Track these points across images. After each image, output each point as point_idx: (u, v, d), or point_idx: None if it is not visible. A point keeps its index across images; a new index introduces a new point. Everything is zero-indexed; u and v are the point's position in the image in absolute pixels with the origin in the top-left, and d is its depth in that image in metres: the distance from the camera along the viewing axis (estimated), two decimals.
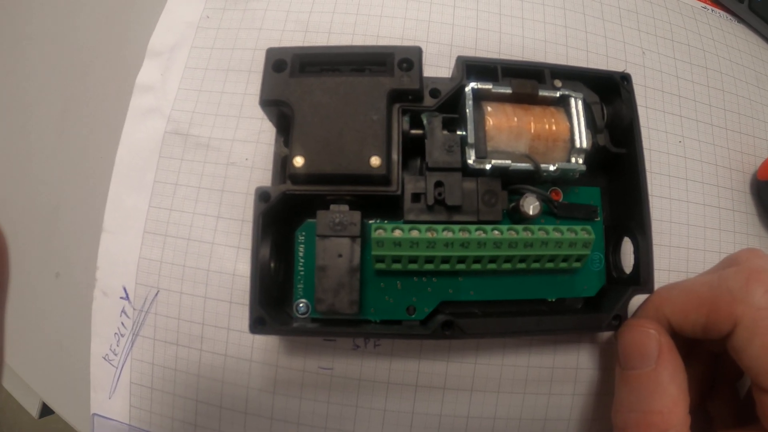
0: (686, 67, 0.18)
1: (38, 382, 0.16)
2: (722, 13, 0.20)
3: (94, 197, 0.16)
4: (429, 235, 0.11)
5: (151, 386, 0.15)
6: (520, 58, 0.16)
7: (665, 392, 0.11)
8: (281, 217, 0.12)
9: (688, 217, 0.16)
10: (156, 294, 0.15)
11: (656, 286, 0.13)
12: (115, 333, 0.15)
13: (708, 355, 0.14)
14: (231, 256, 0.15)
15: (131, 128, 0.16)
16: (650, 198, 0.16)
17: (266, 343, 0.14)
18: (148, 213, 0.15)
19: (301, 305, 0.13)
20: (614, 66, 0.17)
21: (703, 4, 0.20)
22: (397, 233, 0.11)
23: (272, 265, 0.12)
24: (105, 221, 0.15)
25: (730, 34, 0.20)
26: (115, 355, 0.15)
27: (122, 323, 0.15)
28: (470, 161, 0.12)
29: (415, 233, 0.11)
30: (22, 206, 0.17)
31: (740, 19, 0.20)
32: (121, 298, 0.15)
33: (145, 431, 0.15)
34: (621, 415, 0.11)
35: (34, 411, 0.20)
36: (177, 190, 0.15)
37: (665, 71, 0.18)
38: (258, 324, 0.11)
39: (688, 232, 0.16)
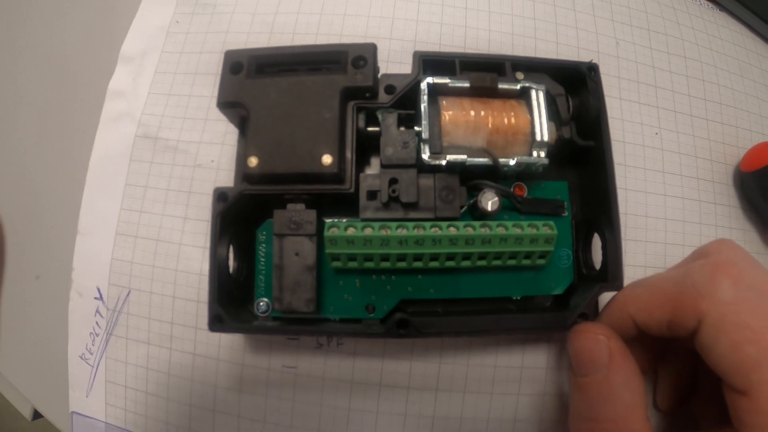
0: (663, 57, 0.18)
1: (23, 382, 0.17)
2: (703, 1, 0.20)
3: (71, 200, 0.16)
4: (383, 232, 0.11)
5: (125, 384, 0.15)
6: (485, 53, 0.16)
7: (618, 399, 0.10)
8: (242, 217, 0.12)
9: (665, 210, 0.16)
10: (128, 294, 0.15)
11: (628, 282, 0.12)
12: (91, 332, 0.15)
13: (687, 353, 0.13)
14: (198, 256, 0.15)
15: (104, 133, 0.16)
16: (624, 192, 0.15)
17: (232, 342, 0.14)
18: (119, 215, 0.15)
19: (261, 304, 0.13)
20: (586, 57, 0.17)
21: None
22: (351, 231, 0.11)
23: (234, 264, 0.12)
24: (80, 224, 0.16)
25: (711, 23, 0.19)
26: (91, 354, 0.15)
27: (97, 323, 0.15)
28: (425, 157, 0.12)
29: (368, 231, 0.11)
30: (2, 210, 0.18)
31: (722, 7, 0.20)
32: (95, 298, 0.15)
33: (121, 428, 0.15)
34: (575, 423, 0.11)
35: (26, 413, 0.21)
36: (147, 193, 0.15)
37: (641, 62, 0.17)
38: (216, 322, 0.12)
39: (665, 227, 0.16)
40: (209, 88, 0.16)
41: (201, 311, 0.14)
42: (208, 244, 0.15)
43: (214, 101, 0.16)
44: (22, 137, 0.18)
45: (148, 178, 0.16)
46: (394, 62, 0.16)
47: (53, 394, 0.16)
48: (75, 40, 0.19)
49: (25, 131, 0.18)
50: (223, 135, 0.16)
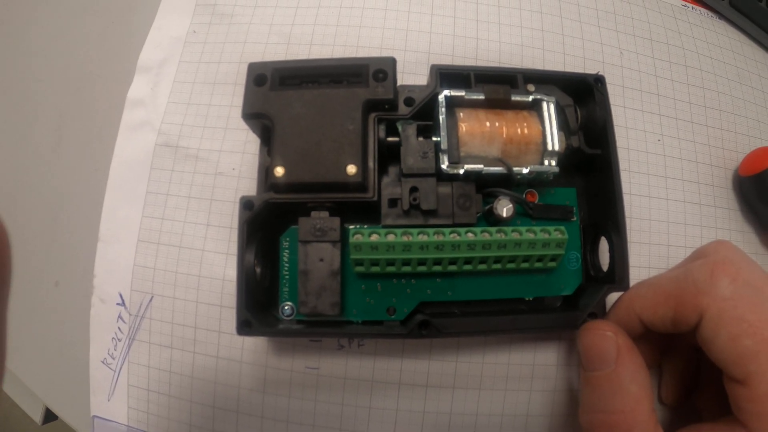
0: (665, 66, 0.18)
1: (40, 387, 0.17)
2: (703, 10, 0.20)
3: (90, 208, 0.16)
4: (404, 238, 0.12)
5: (148, 388, 0.15)
6: (496, 64, 0.17)
7: (626, 392, 0.11)
8: (266, 224, 0.13)
9: (668, 214, 0.17)
10: (150, 300, 0.15)
11: (633, 283, 0.13)
12: (113, 338, 0.16)
13: (689, 349, 0.14)
14: (221, 262, 0.15)
15: (124, 141, 0.17)
16: (629, 197, 0.16)
17: (255, 344, 0.15)
18: (141, 222, 0.16)
19: (286, 308, 0.13)
20: (591, 67, 0.17)
21: (683, 2, 0.20)
22: (374, 237, 0.12)
23: (258, 270, 0.13)
24: (101, 231, 0.16)
25: (711, 31, 0.20)
26: (113, 359, 0.16)
27: (119, 328, 0.16)
28: (444, 166, 0.12)
29: (391, 237, 0.12)
30: (22, 218, 0.18)
31: (721, 16, 0.20)
32: (118, 304, 0.16)
33: (143, 431, 0.15)
34: (585, 416, 0.12)
35: (37, 417, 0.21)
36: (168, 200, 0.16)
37: (644, 71, 0.18)
38: (244, 326, 0.12)
39: (668, 230, 0.16)
40: (228, 97, 0.16)
41: (224, 315, 0.15)
42: (230, 251, 0.15)
43: (234, 110, 0.16)
44: (42, 145, 0.18)
45: (170, 186, 0.16)
46: (409, 73, 0.16)
47: (72, 399, 0.16)
48: (92, 49, 0.19)
49: (44, 139, 0.18)
50: (244, 144, 0.16)
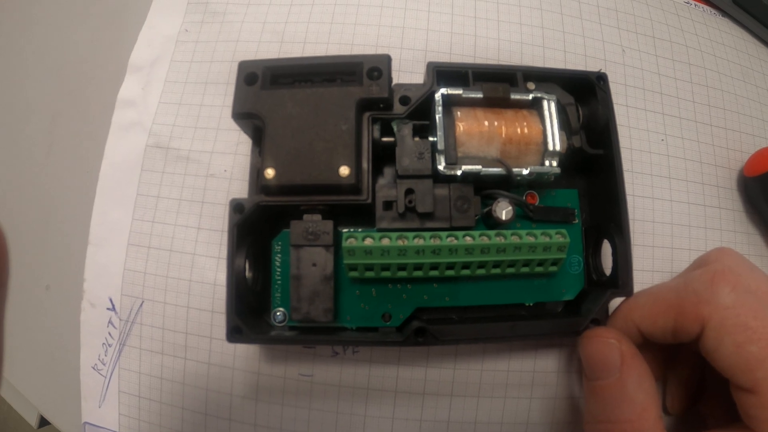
0: (668, 64, 0.18)
1: (32, 392, 0.17)
2: (706, 7, 0.20)
3: (81, 211, 0.16)
4: (400, 242, 0.11)
5: (139, 395, 0.15)
6: (495, 62, 0.16)
7: (633, 400, 0.11)
8: (258, 228, 0.13)
9: (672, 216, 0.16)
10: (141, 304, 0.15)
11: (637, 287, 0.12)
12: (103, 343, 0.15)
13: (694, 357, 0.13)
14: (212, 266, 0.15)
15: (114, 143, 0.16)
16: (632, 198, 0.16)
17: (248, 351, 0.14)
18: (131, 226, 0.15)
19: (278, 314, 0.13)
20: (593, 65, 0.17)
21: (686, 0, 0.20)
22: (368, 242, 0.11)
23: (249, 274, 0.12)
24: (90, 234, 0.16)
25: (714, 29, 0.19)
26: (104, 364, 0.15)
27: (109, 333, 0.15)
28: (440, 167, 0.12)
29: (385, 241, 0.11)
30: (12, 221, 0.18)
31: (724, 13, 0.20)
32: (108, 309, 0.15)
33: None
34: (591, 426, 0.11)
35: (32, 421, 0.21)
36: (159, 203, 0.15)
37: (646, 69, 0.18)
38: (234, 333, 0.12)
39: (672, 232, 0.16)
40: (220, 97, 0.16)
41: (216, 321, 0.14)
42: (222, 254, 0.15)
43: (226, 110, 0.16)
44: (32, 146, 0.18)
45: (160, 188, 0.16)
46: (405, 71, 0.16)
47: (64, 405, 0.16)
48: (83, 49, 0.19)
49: (34, 140, 0.18)
50: (236, 145, 0.16)
